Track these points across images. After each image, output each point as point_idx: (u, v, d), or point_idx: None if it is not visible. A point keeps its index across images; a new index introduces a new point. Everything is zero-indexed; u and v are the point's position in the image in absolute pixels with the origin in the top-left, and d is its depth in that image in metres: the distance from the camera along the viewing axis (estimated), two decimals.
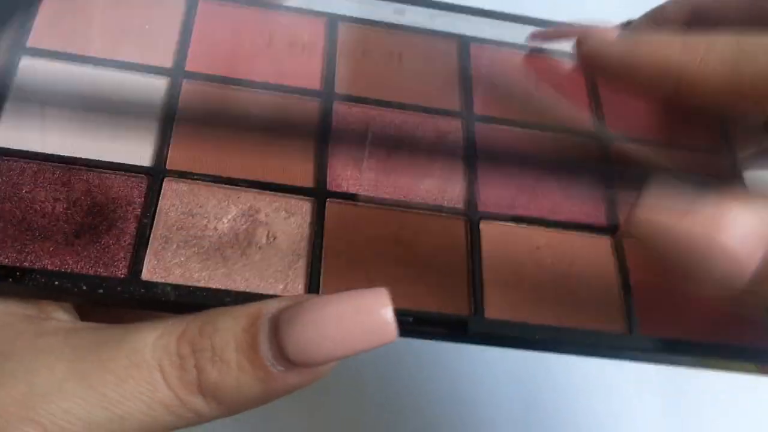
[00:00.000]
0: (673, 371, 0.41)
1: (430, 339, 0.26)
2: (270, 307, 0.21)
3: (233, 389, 0.20)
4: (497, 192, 0.29)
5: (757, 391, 0.39)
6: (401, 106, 0.30)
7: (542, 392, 0.40)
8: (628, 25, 0.33)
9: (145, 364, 0.20)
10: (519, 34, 0.33)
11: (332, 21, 0.31)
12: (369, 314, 0.20)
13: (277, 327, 0.20)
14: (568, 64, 0.32)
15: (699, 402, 0.41)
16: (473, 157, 0.29)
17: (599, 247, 0.28)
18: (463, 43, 0.32)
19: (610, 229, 0.29)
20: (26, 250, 0.23)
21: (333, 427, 0.38)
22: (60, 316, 0.23)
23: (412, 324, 0.24)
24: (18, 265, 0.23)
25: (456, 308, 0.26)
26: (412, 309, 0.25)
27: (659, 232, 0.21)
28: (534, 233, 0.28)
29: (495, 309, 0.26)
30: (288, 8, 0.31)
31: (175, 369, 0.20)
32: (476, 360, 0.40)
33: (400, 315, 0.20)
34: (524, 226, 0.28)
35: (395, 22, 0.32)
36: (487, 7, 0.33)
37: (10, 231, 0.24)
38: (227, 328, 0.21)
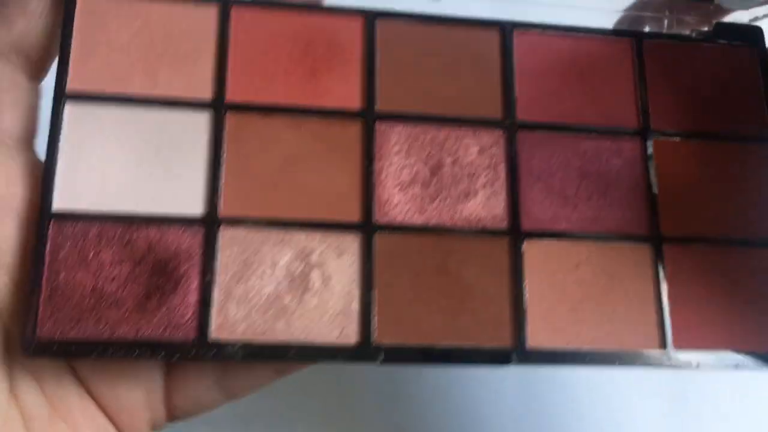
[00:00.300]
0: (674, 374, 0.43)
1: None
2: None
3: None
4: (539, 206, 0.29)
5: (757, 392, 0.41)
6: (442, 120, 0.29)
7: (545, 393, 0.42)
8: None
9: None
10: (563, 16, 0.31)
11: (369, 19, 0.30)
12: None
13: None
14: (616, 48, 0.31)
15: (701, 404, 0.42)
16: (516, 170, 0.29)
17: (639, 257, 0.29)
18: (506, 31, 0.31)
19: (650, 238, 0.29)
20: (102, 320, 0.25)
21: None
22: None
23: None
24: (97, 338, 0.25)
25: (499, 339, 0.27)
26: (456, 344, 0.27)
27: None
28: (575, 248, 0.29)
29: (536, 336, 0.28)
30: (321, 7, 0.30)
31: None
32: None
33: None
34: (566, 240, 0.29)
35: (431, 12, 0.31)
36: None
37: (87, 303, 0.25)
38: None
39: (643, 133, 0.30)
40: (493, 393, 0.41)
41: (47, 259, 0.25)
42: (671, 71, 0.32)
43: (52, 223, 0.26)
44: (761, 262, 0.30)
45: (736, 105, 0.32)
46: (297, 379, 0.30)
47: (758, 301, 0.29)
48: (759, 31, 0.32)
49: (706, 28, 0.33)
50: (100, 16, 0.28)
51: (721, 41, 0.32)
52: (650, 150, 0.30)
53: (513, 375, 0.42)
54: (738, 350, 0.29)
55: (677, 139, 0.31)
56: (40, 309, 0.25)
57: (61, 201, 0.26)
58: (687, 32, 0.33)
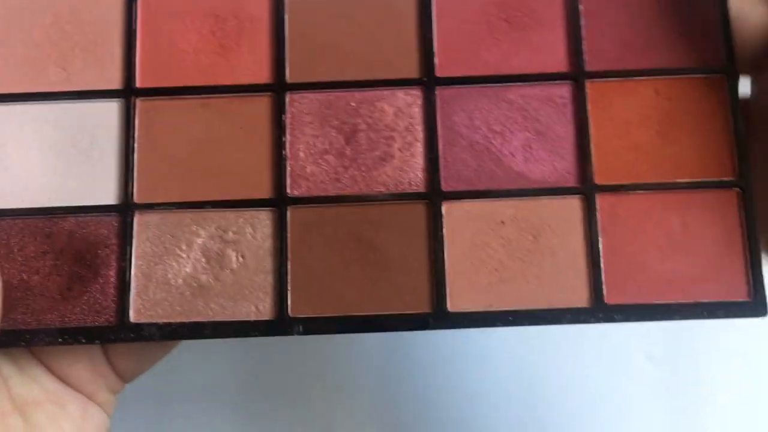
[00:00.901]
0: (675, 372, 0.41)
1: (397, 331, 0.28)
2: None
3: None
4: (461, 165, 0.28)
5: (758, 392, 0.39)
6: (356, 85, 0.28)
7: (542, 386, 0.41)
8: None
9: None
10: None
11: None
12: None
13: None
14: None
15: (698, 402, 0.41)
16: (434, 130, 0.28)
17: (568, 211, 0.28)
18: None
19: (581, 190, 0.28)
20: (30, 310, 0.27)
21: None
22: None
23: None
24: (26, 327, 0.27)
25: (418, 305, 0.27)
26: (374, 312, 0.27)
27: None
28: (500, 206, 0.28)
29: (457, 300, 0.27)
30: None
31: None
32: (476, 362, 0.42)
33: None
34: (489, 200, 0.28)
35: None
36: None
37: (15, 295, 0.27)
38: None
39: (575, 76, 0.28)
40: (491, 391, 0.41)
41: None
42: (610, 4, 0.29)
43: None
44: (707, 205, 0.28)
45: (684, 34, 0.29)
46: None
47: (703, 249, 0.27)
48: None
49: None
50: (12, 14, 0.29)
51: None
52: (584, 95, 0.28)
53: (512, 375, 0.41)
54: (675, 301, 0.27)
55: (615, 80, 0.29)
56: None
57: None
58: None
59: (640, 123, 0.28)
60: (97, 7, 0.29)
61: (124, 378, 0.31)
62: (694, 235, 0.27)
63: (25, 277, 0.27)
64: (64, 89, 0.28)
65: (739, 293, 0.27)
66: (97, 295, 0.27)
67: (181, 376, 0.41)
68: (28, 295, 0.27)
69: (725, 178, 0.28)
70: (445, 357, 0.41)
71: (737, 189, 0.27)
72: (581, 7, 0.29)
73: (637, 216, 0.28)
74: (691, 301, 0.27)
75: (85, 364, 0.29)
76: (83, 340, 0.27)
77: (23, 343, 0.27)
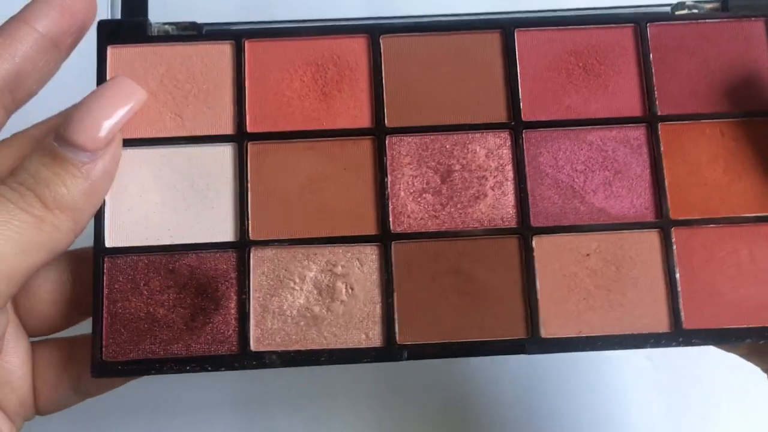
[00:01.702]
0: (676, 372, 0.43)
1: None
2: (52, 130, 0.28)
3: (64, 191, 0.27)
4: (548, 201, 0.31)
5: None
6: (449, 128, 0.31)
7: (546, 393, 0.44)
8: (680, 6, 0.32)
9: None
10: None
11: (374, 37, 0.32)
12: (117, 87, 0.29)
13: (58, 133, 0.27)
14: None
15: (702, 404, 0.43)
16: (523, 169, 0.31)
17: (647, 243, 0.31)
18: (507, 32, 0.32)
19: (659, 224, 0.30)
20: (157, 341, 0.29)
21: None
22: None
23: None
24: (153, 356, 0.29)
25: (514, 331, 0.30)
26: (473, 339, 0.29)
27: None
28: (584, 240, 0.30)
29: (549, 327, 0.30)
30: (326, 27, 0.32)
31: (20, 200, 0.26)
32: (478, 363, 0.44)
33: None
34: (574, 234, 0.30)
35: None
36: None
37: (143, 326, 0.29)
38: (31, 159, 0.27)
39: (649, 120, 0.31)
40: (494, 392, 0.43)
41: (105, 291, 0.29)
42: (677, 54, 0.32)
43: (105, 258, 0.29)
44: (766, 237, 0.30)
45: (746, 81, 0.32)
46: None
47: (764, 277, 0.30)
48: None
49: (715, 4, 0.33)
50: (129, 65, 0.31)
51: (731, 16, 0.32)
52: (657, 136, 0.31)
53: (513, 383, 0.44)
54: (746, 326, 0.30)
55: (685, 122, 0.31)
56: (104, 334, 0.29)
57: (111, 239, 0.30)
58: (695, 11, 0.33)
59: (709, 162, 0.31)
60: (208, 57, 0.31)
61: (40, 413, 0.31)
62: (762, 264, 0.30)
63: (151, 310, 0.29)
64: (180, 134, 0.31)
65: None
66: (220, 326, 0.29)
67: (180, 387, 0.43)
68: (154, 327, 0.29)
69: None
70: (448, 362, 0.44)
71: None
72: (652, 56, 0.32)
73: (710, 247, 0.30)
74: (761, 325, 0.30)
75: (17, 394, 0.30)
76: (209, 368, 0.29)
77: (153, 372, 0.29)
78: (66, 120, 0.27)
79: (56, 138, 0.27)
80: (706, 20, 0.32)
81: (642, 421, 0.43)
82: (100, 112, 0.28)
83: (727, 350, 0.32)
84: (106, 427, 0.43)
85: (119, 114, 0.28)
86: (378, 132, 0.31)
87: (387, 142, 0.31)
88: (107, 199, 0.30)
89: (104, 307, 0.29)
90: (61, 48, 0.29)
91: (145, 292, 0.29)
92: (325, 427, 0.43)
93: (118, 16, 0.32)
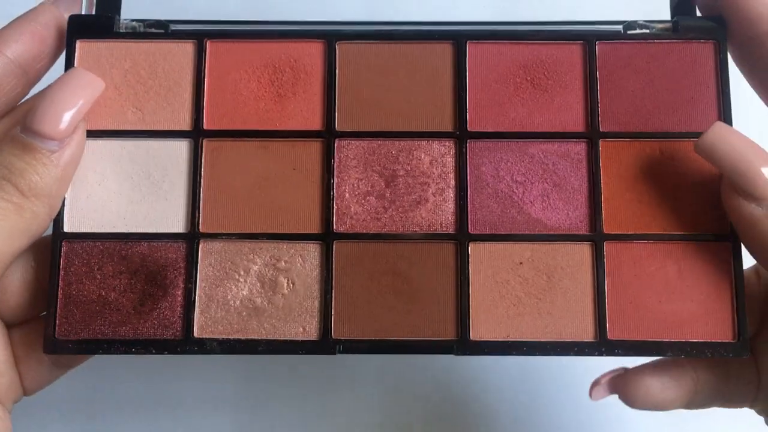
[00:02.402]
0: None
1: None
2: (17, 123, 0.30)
3: (37, 179, 0.29)
4: (486, 210, 0.32)
5: None
6: (396, 135, 0.32)
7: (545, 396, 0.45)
8: (632, 26, 0.33)
9: None
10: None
11: (330, 43, 0.33)
12: (76, 78, 0.30)
13: (25, 125, 0.29)
14: None
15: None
16: (465, 178, 0.32)
17: (579, 255, 0.32)
18: (459, 43, 0.33)
19: (592, 237, 0.32)
20: (107, 322, 0.31)
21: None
22: None
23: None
24: (103, 337, 0.31)
25: (445, 332, 0.31)
26: (405, 337, 0.31)
27: None
28: (519, 248, 0.32)
29: (479, 330, 0.31)
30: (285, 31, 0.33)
31: None
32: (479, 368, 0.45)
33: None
34: (510, 243, 0.32)
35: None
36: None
37: (94, 308, 0.31)
38: (2, 151, 0.29)
39: (590, 135, 0.32)
40: (490, 391, 0.45)
41: (61, 273, 0.31)
42: (624, 72, 0.33)
43: (63, 242, 0.31)
44: (701, 255, 0.31)
45: (688, 102, 0.33)
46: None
47: (696, 294, 0.31)
48: (721, 26, 0.33)
49: (666, 25, 0.33)
50: (96, 59, 0.33)
51: (681, 38, 0.33)
52: (597, 152, 0.32)
53: (514, 380, 0.45)
54: (668, 339, 0.31)
55: (625, 140, 0.32)
56: (57, 314, 0.31)
57: (70, 224, 0.31)
58: (645, 30, 0.33)
59: (646, 179, 0.32)
60: (171, 55, 0.33)
61: (27, 393, 0.33)
62: (689, 281, 0.31)
63: (103, 293, 0.31)
64: (140, 128, 0.32)
65: (725, 335, 0.31)
66: (166, 312, 0.31)
67: (182, 384, 0.45)
68: (105, 309, 0.31)
69: (718, 233, 0.31)
70: (444, 367, 0.45)
71: (728, 242, 0.31)
72: (598, 73, 0.33)
73: (640, 262, 0.31)
74: (682, 340, 0.31)
75: (5, 379, 0.31)
76: (153, 351, 0.31)
77: (101, 351, 0.31)
78: (31, 112, 0.29)
79: (23, 129, 0.29)
80: (656, 41, 0.33)
81: (642, 421, 0.44)
82: (63, 102, 0.29)
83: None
84: (107, 424, 0.45)
85: (80, 103, 0.30)
86: (327, 135, 0.32)
87: (336, 145, 0.32)
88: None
89: (59, 288, 0.31)
90: (30, 73, 0.31)
91: (99, 276, 0.31)
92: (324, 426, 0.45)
93: (93, 11, 0.34)
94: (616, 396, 0.34)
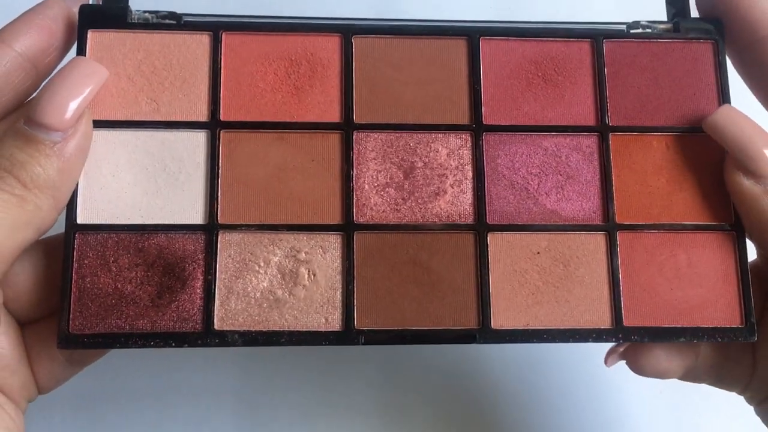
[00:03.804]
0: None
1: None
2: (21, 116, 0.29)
3: (40, 171, 0.28)
4: (503, 201, 0.33)
5: None
6: (415, 127, 0.33)
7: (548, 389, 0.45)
8: (635, 25, 0.34)
9: None
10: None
11: (346, 37, 0.33)
12: (80, 67, 0.30)
13: (28, 117, 0.28)
14: None
15: (699, 403, 0.45)
16: (482, 169, 0.33)
17: (594, 245, 0.33)
18: (473, 39, 0.34)
19: (605, 227, 0.32)
20: (123, 316, 0.30)
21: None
22: None
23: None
24: (120, 331, 0.30)
25: (466, 322, 0.31)
26: (427, 327, 0.31)
27: None
28: (536, 238, 0.32)
29: (499, 319, 0.31)
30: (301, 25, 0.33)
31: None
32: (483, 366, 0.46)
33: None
34: (527, 233, 0.32)
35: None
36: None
37: (110, 302, 0.30)
38: (4, 143, 0.28)
39: (601, 129, 0.33)
40: (492, 388, 0.45)
41: (75, 265, 0.30)
42: (630, 69, 0.34)
43: (76, 234, 0.30)
44: (708, 244, 0.33)
45: (691, 98, 0.34)
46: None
47: (705, 281, 0.32)
48: (718, 27, 0.34)
49: (667, 26, 0.35)
50: (108, 50, 0.32)
51: (682, 37, 0.34)
52: (607, 145, 0.33)
53: (513, 374, 0.45)
54: (681, 325, 0.32)
55: (633, 134, 0.33)
56: (71, 308, 0.30)
57: (83, 215, 0.31)
58: (648, 30, 0.35)
59: (654, 171, 0.33)
60: (186, 47, 0.32)
61: (42, 391, 0.32)
62: (697, 269, 0.32)
63: (119, 286, 0.30)
64: (155, 119, 0.32)
65: (734, 320, 0.32)
66: (185, 305, 0.30)
67: (183, 380, 0.44)
68: (121, 303, 0.30)
69: (724, 223, 0.33)
70: (448, 361, 0.45)
71: (733, 232, 0.33)
72: (606, 70, 0.34)
73: (651, 251, 0.32)
74: (693, 325, 0.32)
75: (18, 377, 0.30)
76: (173, 344, 0.30)
77: (118, 346, 0.30)
78: (33, 103, 0.28)
79: (26, 121, 0.28)
80: (658, 40, 0.34)
81: (643, 421, 0.45)
82: (66, 92, 0.29)
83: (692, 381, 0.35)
84: (109, 417, 0.44)
85: (84, 93, 0.29)
86: (346, 127, 0.32)
87: (354, 137, 0.32)
88: (81, 177, 0.31)
89: (73, 282, 0.30)
90: (39, 67, 0.31)
91: (114, 268, 0.30)
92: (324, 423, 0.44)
93: (101, 1, 0.33)
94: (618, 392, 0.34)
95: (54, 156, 0.28)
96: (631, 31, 0.35)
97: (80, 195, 0.31)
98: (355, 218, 0.32)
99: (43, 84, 0.30)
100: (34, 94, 0.31)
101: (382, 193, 0.32)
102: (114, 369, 0.43)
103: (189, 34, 0.33)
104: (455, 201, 0.32)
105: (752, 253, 0.33)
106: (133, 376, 0.43)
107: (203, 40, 0.33)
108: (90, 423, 0.43)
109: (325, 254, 0.31)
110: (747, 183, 0.31)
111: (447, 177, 0.33)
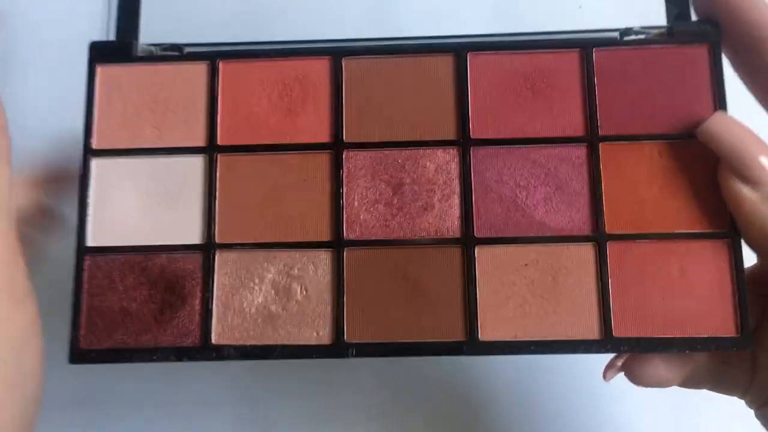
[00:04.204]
0: None
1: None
2: None
3: None
4: (491, 214, 0.33)
5: None
6: (402, 144, 0.34)
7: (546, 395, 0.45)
8: (628, 32, 0.34)
9: None
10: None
11: (336, 59, 0.34)
12: None
13: None
14: None
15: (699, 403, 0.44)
16: (469, 184, 0.33)
17: (582, 256, 0.33)
18: (460, 55, 0.34)
19: (594, 238, 0.32)
20: (128, 332, 0.32)
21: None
22: None
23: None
24: (124, 346, 0.32)
25: (454, 334, 0.32)
26: (416, 340, 0.32)
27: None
28: (524, 251, 0.33)
29: (487, 331, 0.32)
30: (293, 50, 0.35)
31: None
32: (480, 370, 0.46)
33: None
34: (514, 245, 0.33)
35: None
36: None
37: (117, 319, 0.32)
38: None
39: (590, 139, 0.33)
40: (491, 392, 0.45)
41: (85, 286, 0.33)
42: (621, 77, 0.34)
43: (86, 257, 0.33)
44: (702, 252, 0.32)
45: (685, 105, 0.33)
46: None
47: (699, 290, 0.32)
48: (715, 29, 0.34)
49: (661, 30, 0.35)
50: (116, 83, 0.34)
51: (676, 42, 0.34)
52: (597, 155, 0.33)
53: (507, 386, 0.46)
54: (673, 336, 0.32)
55: (624, 143, 0.33)
56: (81, 325, 0.32)
57: (92, 239, 0.33)
58: (641, 36, 0.34)
59: (645, 180, 0.33)
60: (186, 76, 0.35)
61: None
62: (691, 278, 0.32)
63: (125, 304, 0.32)
64: (158, 145, 0.34)
65: (728, 329, 0.31)
66: (185, 321, 0.32)
67: (181, 386, 0.46)
68: (127, 319, 0.32)
69: (718, 230, 0.32)
70: (442, 371, 0.46)
71: (728, 239, 0.32)
72: (596, 79, 0.34)
73: (642, 261, 0.32)
74: (687, 336, 0.31)
75: None
76: (173, 358, 0.32)
77: (124, 360, 0.32)
78: None
79: None
80: (652, 46, 0.34)
81: (643, 421, 0.45)
82: None
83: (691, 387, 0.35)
84: (104, 421, 0.46)
85: None
86: (336, 147, 0.34)
87: (344, 156, 0.34)
88: (90, 202, 0.33)
89: (83, 301, 0.32)
90: None
91: (120, 287, 0.33)
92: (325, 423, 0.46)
93: (113, 37, 0.35)
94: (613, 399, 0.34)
95: None
96: (625, 38, 0.34)
97: (90, 219, 0.33)
98: (345, 235, 0.33)
99: None
100: None
101: (371, 209, 0.33)
102: (113, 373, 0.45)
103: (188, 64, 0.35)
104: (443, 215, 0.33)
105: (748, 259, 0.32)
106: (132, 383, 0.46)
107: (201, 69, 0.35)
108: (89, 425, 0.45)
109: (316, 270, 0.33)
110: (745, 190, 0.31)
111: (435, 192, 0.33)
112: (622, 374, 0.34)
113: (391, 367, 0.46)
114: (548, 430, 0.45)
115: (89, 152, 0.34)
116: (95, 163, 0.34)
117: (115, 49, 0.35)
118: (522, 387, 0.45)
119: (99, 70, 0.35)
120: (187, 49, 0.35)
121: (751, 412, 0.34)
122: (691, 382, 0.34)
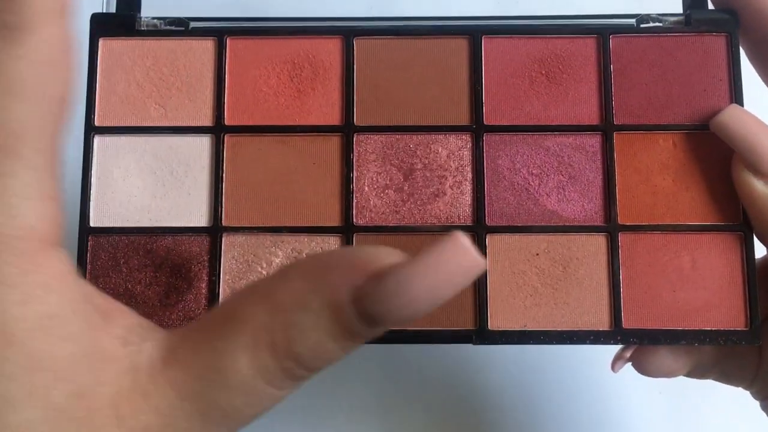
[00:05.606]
0: None
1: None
2: (347, 290, 0.21)
3: (320, 362, 0.22)
4: (503, 202, 0.33)
5: None
6: (414, 129, 0.33)
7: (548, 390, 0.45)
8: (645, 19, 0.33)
9: (252, 389, 0.21)
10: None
11: (348, 38, 0.33)
12: (454, 258, 0.21)
13: (362, 307, 0.21)
14: None
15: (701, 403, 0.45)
16: (481, 170, 0.33)
17: (594, 246, 0.32)
18: (475, 38, 0.33)
19: (607, 228, 0.32)
20: None
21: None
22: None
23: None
24: None
25: (463, 322, 0.32)
26: (425, 328, 0.32)
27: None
28: (535, 240, 0.32)
29: (496, 320, 0.32)
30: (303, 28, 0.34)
31: (277, 377, 0.22)
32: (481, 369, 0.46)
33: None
34: (526, 234, 0.32)
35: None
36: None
37: (121, 301, 0.31)
38: (313, 326, 0.21)
39: (605, 128, 0.33)
40: (491, 390, 0.46)
41: (88, 267, 0.32)
42: (637, 65, 0.33)
43: (89, 237, 0.32)
44: (714, 245, 0.32)
45: (701, 95, 0.33)
46: None
47: (710, 283, 0.32)
48: (733, 18, 0.33)
49: (678, 18, 0.34)
50: (118, 57, 0.33)
51: (693, 31, 0.33)
52: (611, 145, 0.33)
53: (512, 378, 0.46)
54: (682, 328, 0.32)
55: (639, 132, 0.33)
56: None
57: (95, 219, 0.32)
58: (658, 24, 0.34)
59: (659, 171, 0.33)
60: (192, 53, 0.33)
61: None
62: (702, 271, 0.32)
63: (129, 286, 0.32)
64: (163, 124, 0.33)
65: (738, 323, 0.31)
66: (191, 304, 0.32)
67: None
68: (131, 303, 0.32)
69: (731, 223, 0.32)
70: (449, 362, 0.46)
71: (741, 233, 0.32)
72: (612, 67, 0.33)
73: (654, 253, 0.32)
74: (696, 328, 0.31)
75: None
76: None
77: None
78: (381, 302, 0.21)
79: (358, 314, 0.21)
80: (668, 34, 0.34)
81: (643, 421, 0.45)
82: (429, 296, 0.21)
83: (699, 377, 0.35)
84: None
85: (447, 294, 0.21)
86: (347, 130, 0.33)
87: (354, 139, 0.33)
88: (93, 181, 0.32)
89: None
90: None
91: (125, 269, 0.32)
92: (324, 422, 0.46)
93: (113, 9, 0.34)
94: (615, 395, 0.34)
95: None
96: (641, 25, 0.34)
97: (93, 199, 0.32)
98: (354, 220, 0.32)
99: None
100: None
101: (382, 195, 0.33)
102: None
103: (194, 39, 0.34)
104: (454, 202, 0.33)
105: (759, 252, 0.32)
106: None
107: (208, 45, 0.33)
108: None
109: None
110: (758, 184, 0.31)
111: (447, 178, 0.33)
112: (624, 371, 0.34)
113: (392, 359, 0.46)
114: (553, 420, 0.45)
115: (91, 129, 0.33)
116: (98, 141, 0.33)
117: (118, 22, 0.34)
118: (527, 377, 0.45)
119: (101, 43, 0.33)
120: (193, 24, 0.34)
121: (751, 410, 0.34)
122: (697, 372, 0.34)
